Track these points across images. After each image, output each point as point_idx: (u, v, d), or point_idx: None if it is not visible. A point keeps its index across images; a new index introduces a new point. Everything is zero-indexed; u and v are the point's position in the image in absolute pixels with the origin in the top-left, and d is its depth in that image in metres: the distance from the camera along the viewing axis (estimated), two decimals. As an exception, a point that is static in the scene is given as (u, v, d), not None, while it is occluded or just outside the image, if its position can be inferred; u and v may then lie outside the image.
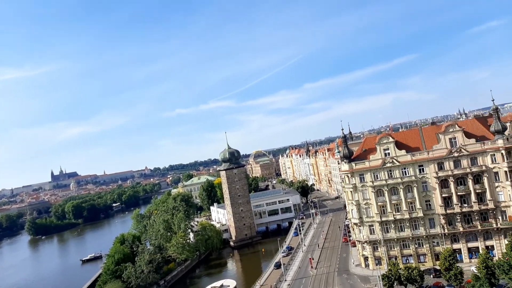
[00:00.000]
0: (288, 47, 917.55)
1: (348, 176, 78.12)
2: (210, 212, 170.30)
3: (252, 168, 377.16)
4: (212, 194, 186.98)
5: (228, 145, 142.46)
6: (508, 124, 70.86)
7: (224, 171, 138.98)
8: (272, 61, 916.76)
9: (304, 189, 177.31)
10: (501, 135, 67.30)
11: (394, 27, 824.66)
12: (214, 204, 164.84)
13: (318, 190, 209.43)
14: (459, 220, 70.38)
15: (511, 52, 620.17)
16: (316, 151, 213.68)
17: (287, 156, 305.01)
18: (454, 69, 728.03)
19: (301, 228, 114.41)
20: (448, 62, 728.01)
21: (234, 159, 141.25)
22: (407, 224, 73.64)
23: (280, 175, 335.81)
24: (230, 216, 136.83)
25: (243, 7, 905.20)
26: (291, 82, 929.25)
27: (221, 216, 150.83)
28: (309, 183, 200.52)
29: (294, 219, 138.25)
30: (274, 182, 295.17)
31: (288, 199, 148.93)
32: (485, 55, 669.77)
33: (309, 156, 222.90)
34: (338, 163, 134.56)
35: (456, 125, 72.33)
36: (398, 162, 73.66)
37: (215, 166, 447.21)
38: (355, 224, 78.30)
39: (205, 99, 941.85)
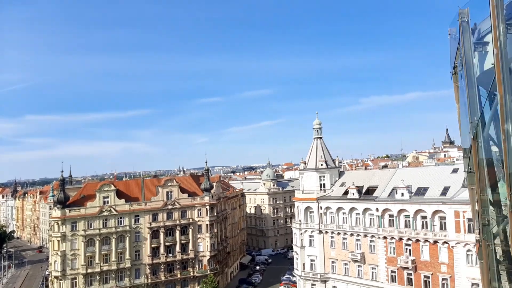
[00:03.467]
0: (14, 70, 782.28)
1: (58, 223, 70.19)
2: None
3: None
4: None
5: None
6: (214, 184, 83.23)
7: None
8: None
9: (0, 237, 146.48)
10: (208, 193, 78.03)
11: (133, 80, 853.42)
12: None
13: (18, 238, 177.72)
14: (162, 269, 74.36)
15: (224, 124, 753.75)
16: (25, 193, 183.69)
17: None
18: (180, 130, 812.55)
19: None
20: (176, 123, 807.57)
21: None
22: (113, 275, 71.66)
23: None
24: None
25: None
26: (9, 110, 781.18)
27: None
28: (8, 230, 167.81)
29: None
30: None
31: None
32: (205, 123, 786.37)
33: (16, 198, 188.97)
34: (50, 208, 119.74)
35: (174, 180, 79.06)
36: (116, 211, 72.53)
37: None
38: (56, 277, 69.81)
39: None
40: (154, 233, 74.58)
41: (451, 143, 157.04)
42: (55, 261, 70.04)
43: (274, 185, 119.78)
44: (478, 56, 7.82)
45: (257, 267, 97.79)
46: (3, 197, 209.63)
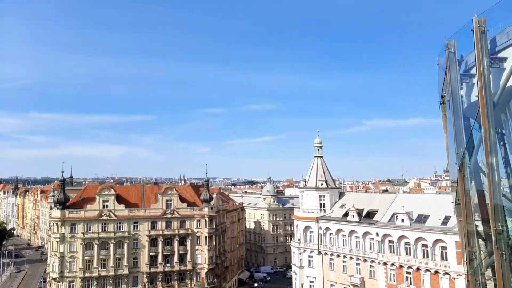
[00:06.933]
0: (20, 65, 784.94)
1: (57, 224, 70.45)
2: None
3: None
4: None
5: None
6: (214, 195, 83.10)
7: None
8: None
9: (0, 234, 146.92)
10: (207, 204, 77.86)
11: (139, 85, 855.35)
12: None
13: (18, 236, 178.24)
14: (160, 279, 73.88)
15: (227, 136, 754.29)
16: (26, 190, 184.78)
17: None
18: (183, 139, 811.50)
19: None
20: (179, 131, 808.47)
21: None
22: (111, 281, 71.36)
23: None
24: None
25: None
26: (13, 104, 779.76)
27: None
28: (9, 227, 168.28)
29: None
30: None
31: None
32: (207, 133, 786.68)
33: (17, 195, 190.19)
34: (51, 208, 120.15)
35: (174, 189, 79.12)
36: (115, 216, 72.64)
37: None
38: (54, 279, 69.70)
39: None
40: (153, 241, 74.32)
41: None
42: (53, 262, 70.03)
43: (274, 201, 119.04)
44: (465, 88, 7.77)
45: (255, 284, 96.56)
46: (4, 193, 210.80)
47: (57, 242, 69.89)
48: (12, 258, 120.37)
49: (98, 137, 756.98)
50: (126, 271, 71.93)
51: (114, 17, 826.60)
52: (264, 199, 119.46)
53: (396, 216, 55.86)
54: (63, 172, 74.90)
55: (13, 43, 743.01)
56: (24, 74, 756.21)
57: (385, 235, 56.59)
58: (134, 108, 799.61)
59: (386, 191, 74.53)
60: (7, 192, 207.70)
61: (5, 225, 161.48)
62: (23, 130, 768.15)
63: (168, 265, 74.57)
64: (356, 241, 60.37)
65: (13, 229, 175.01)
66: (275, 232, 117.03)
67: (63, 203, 71.25)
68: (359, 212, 60.89)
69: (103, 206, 72.90)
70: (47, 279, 77.08)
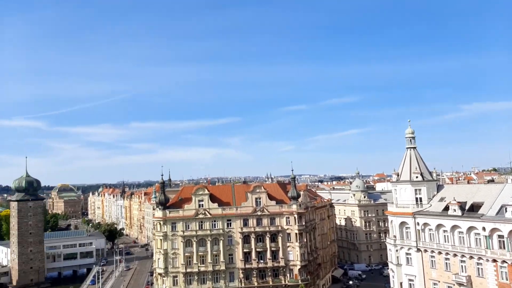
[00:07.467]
0: (119, 81, 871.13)
1: (160, 223, 76.85)
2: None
3: (54, 203, 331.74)
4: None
5: (27, 172, 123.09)
6: (301, 192, 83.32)
7: (16, 202, 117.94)
8: (99, 90, 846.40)
9: (112, 233, 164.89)
10: (295, 201, 78.40)
11: (224, 89, 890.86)
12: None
13: (127, 235, 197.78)
14: (255, 275, 76.31)
15: (310, 132, 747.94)
16: (132, 193, 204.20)
17: (99, 194, 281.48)
18: (267, 138, 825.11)
19: (100, 276, 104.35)
20: (263, 131, 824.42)
21: (32, 189, 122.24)
22: (210, 276, 75.72)
23: (87, 214, 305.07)
24: (15, 257, 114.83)
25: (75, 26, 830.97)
26: (116, 117, 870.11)
27: (2, 255, 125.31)
28: (119, 227, 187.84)
29: (94, 266, 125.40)
30: (78, 222, 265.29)
31: (91, 243, 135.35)
32: (290, 131, 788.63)
33: (124, 198, 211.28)
34: (153, 209, 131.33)
35: (262, 187, 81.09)
36: (210, 214, 76.89)
37: (5, 195, 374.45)
38: (160, 274, 76.19)
39: (8, 114, 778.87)
40: (246, 238, 77.12)
41: None
42: (159, 259, 76.58)
43: (364, 197, 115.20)
44: None
45: (350, 282, 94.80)
46: (113, 197, 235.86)
47: (160, 240, 76.24)
48: (123, 255, 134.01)
49: (191, 141, 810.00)
50: (223, 267, 75.67)
51: (194, 28, 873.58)
52: (354, 195, 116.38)
53: (506, 208, 50.54)
54: (162, 175, 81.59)
55: (114, 61, 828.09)
56: (123, 89, 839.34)
57: (493, 230, 51.54)
58: (221, 112, 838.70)
59: (492, 181, 67.76)
60: (116, 195, 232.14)
61: (115, 226, 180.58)
62: (126, 139, 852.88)
63: (262, 261, 76.64)
64: (460, 236, 55.90)
65: (123, 229, 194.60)
66: (367, 229, 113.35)
67: (164, 204, 77.53)
68: (462, 206, 56.26)
69: (199, 206, 77.72)
70: (154, 274, 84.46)
